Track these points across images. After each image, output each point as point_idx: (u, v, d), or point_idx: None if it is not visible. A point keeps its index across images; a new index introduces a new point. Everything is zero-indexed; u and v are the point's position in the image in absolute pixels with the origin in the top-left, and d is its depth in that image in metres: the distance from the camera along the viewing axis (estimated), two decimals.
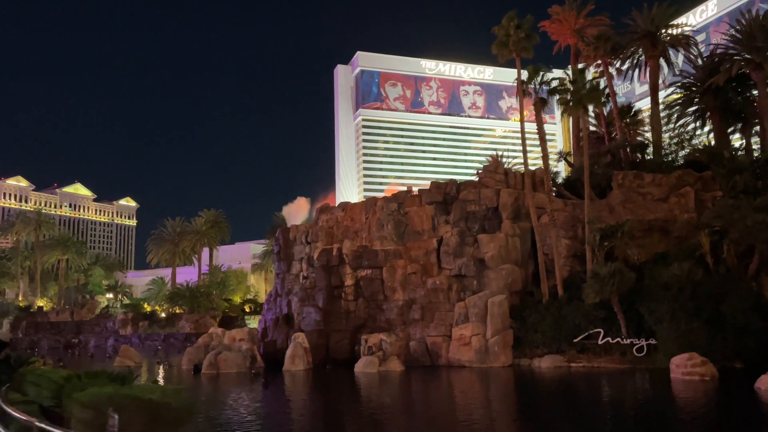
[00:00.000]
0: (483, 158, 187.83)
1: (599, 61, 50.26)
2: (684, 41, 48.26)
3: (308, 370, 37.38)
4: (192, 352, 41.99)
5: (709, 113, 47.80)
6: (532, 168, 41.72)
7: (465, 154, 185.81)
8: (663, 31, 47.58)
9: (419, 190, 43.90)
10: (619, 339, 34.58)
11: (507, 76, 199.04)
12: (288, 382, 32.70)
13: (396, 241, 41.60)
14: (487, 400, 26.77)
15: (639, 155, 44.93)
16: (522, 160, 39.90)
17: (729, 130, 48.31)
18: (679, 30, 49.51)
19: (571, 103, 37.08)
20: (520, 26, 37.03)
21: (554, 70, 53.29)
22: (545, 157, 38.28)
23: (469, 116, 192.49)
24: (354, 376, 34.32)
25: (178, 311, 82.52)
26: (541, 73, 37.48)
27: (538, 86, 37.66)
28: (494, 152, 76.30)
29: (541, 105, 37.64)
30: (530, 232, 40.09)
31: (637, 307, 33.68)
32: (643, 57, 48.85)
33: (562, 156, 53.28)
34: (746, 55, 43.23)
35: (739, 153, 42.38)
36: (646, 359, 33.40)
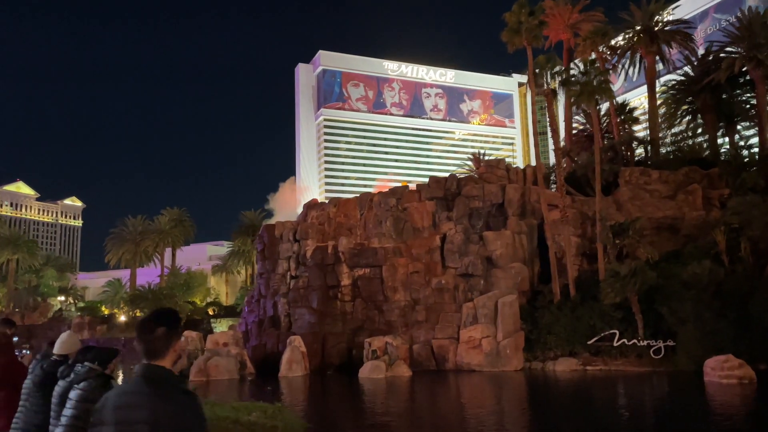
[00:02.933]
0: (444, 160, 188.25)
1: (594, 57, 49.17)
2: (681, 38, 47.72)
3: (306, 376, 34.56)
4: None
5: (702, 111, 47.27)
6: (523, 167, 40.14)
7: (426, 156, 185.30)
8: (661, 26, 46.89)
9: (417, 185, 41.72)
10: (635, 341, 33.15)
11: (468, 79, 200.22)
12: (293, 390, 29.83)
13: (395, 239, 39.26)
14: (521, 407, 24.74)
15: (644, 152, 43.94)
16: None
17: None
18: (677, 27, 48.99)
19: (582, 95, 35.53)
20: (533, 13, 35.35)
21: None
22: (557, 150, 36.64)
23: (431, 118, 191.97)
24: (359, 382, 31.75)
25: (139, 314, 77.85)
26: (552, 64, 35.83)
27: (550, 77, 36.00)
28: (475, 152, 75.01)
29: (552, 96, 35.94)
30: (536, 229, 38.45)
31: (656, 307, 32.31)
32: (639, 53, 48.05)
33: (565, 152, 52.07)
34: (744, 53, 42.80)
35: (742, 151, 41.78)
36: (665, 361, 32.06)
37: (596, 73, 36.21)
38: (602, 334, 33.83)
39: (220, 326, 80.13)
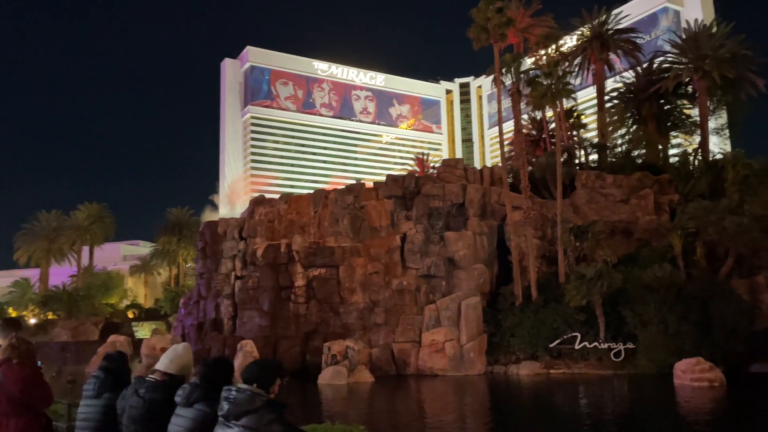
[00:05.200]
0: (372, 163, 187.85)
1: (544, 62, 49.52)
2: (630, 47, 48.85)
3: None
4: None
5: (647, 119, 48.53)
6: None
7: (355, 159, 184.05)
8: (611, 34, 47.80)
9: (375, 183, 40.16)
10: (596, 343, 33.04)
11: (397, 84, 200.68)
12: None
13: (352, 238, 37.49)
14: (500, 414, 23.71)
15: (597, 156, 44.45)
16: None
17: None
18: (626, 35, 50.15)
19: (546, 96, 35.24)
20: (501, 10, 34.71)
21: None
22: (522, 151, 36.16)
23: (361, 121, 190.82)
24: (320, 389, 29.74)
25: (51, 317, 71.71)
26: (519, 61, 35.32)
27: (514, 76, 35.45)
28: (420, 154, 74.45)
29: (518, 96, 35.44)
30: (496, 230, 37.83)
31: (619, 310, 32.33)
32: (589, 59, 48.77)
33: (519, 155, 52.06)
34: (691, 64, 44.21)
35: (690, 158, 43.01)
36: (626, 364, 32.08)
37: (559, 75, 36.08)
38: (564, 337, 33.53)
39: (143, 330, 75.27)
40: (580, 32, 49.50)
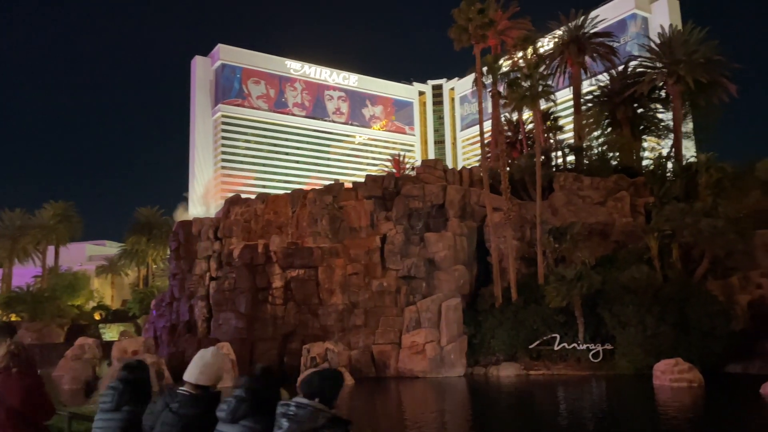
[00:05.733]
0: (344, 164, 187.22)
1: (522, 64, 49.76)
2: (605, 51, 49.41)
3: None
4: (75, 367, 33.94)
5: (622, 123, 49.12)
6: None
7: (327, 159, 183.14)
8: (587, 37, 48.29)
9: (354, 183, 39.75)
10: (575, 344, 33.20)
11: (371, 85, 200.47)
12: None
13: (331, 239, 37.00)
14: (481, 416, 23.54)
15: (574, 158, 44.77)
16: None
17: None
18: (601, 39, 50.71)
19: (526, 98, 35.32)
20: (483, 11, 34.67)
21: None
22: (503, 152, 36.15)
23: (333, 121, 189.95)
24: (298, 393, 29.16)
25: (15, 318, 69.46)
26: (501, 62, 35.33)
27: (495, 77, 35.44)
28: (396, 155, 74.19)
29: (498, 97, 35.42)
30: (476, 231, 37.78)
31: (598, 311, 32.52)
32: (566, 62, 49.17)
33: (498, 156, 52.18)
34: (665, 69, 44.86)
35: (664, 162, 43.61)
36: (603, 365, 32.31)
37: (539, 77, 36.21)
38: (543, 338, 33.62)
39: (110, 332, 73.55)
40: (555, 35, 49.87)
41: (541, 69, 49.24)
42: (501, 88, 35.92)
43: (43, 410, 4.99)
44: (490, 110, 48.07)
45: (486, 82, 36.12)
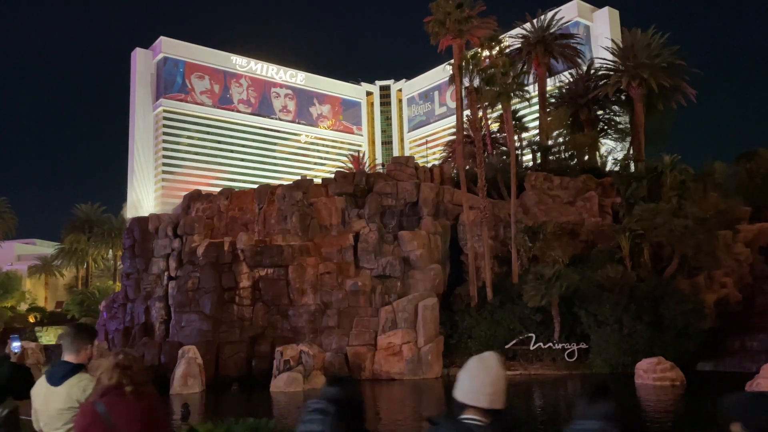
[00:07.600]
0: (291, 162, 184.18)
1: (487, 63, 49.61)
2: (571, 52, 49.86)
3: (203, 393, 29.52)
4: None
5: (585, 124, 49.72)
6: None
7: (273, 158, 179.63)
8: (553, 38, 48.62)
9: (324, 180, 38.39)
10: (551, 344, 33.04)
11: (318, 83, 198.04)
12: (208, 410, 25.00)
13: (301, 236, 35.52)
14: None
15: (541, 158, 44.84)
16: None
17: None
18: (566, 41, 51.17)
19: (502, 95, 34.95)
20: (461, 6, 34.05)
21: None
22: (479, 150, 35.60)
23: (280, 119, 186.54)
24: (273, 397, 27.71)
25: None
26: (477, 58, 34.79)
27: (472, 74, 34.92)
28: (356, 152, 72.72)
29: (476, 94, 34.90)
30: (450, 230, 37.14)
31: (575, 310, 32.45)
32: (532, 63, 49.34)
33: (471, 154, 51.69)
34: (628, 72, 45.59)
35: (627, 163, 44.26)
36: (579, 365, 32.30)
37: (514, 75, 35.93)
38: (520, 338, 33.31)
39: (47, 335, 69.23)
40: (517, 35, 50.02)
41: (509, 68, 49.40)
42: (480, 85, 35.33)
43: None
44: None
45: (464, 79, 35.50)
